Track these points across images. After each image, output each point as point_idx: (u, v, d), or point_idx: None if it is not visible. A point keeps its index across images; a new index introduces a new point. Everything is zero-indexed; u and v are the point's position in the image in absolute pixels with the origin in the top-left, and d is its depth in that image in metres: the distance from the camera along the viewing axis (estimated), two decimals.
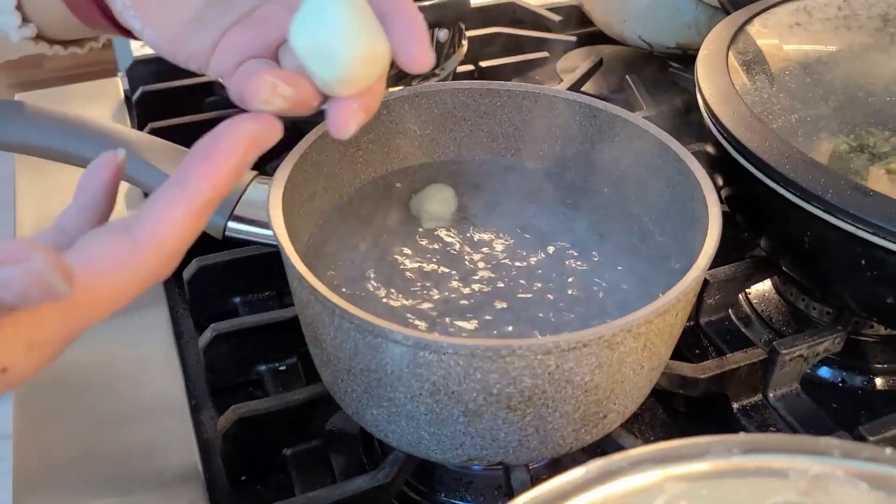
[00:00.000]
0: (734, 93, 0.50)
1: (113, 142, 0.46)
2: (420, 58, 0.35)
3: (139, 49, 0.82)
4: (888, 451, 0.24)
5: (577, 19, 0.85)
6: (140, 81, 0.73)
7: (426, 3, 0.65)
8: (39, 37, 0.43)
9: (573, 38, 0.83)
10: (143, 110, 0.71)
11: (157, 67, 0.75)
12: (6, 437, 0.47)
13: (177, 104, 0.70)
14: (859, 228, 0.40)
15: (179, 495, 0.44)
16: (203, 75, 0.70)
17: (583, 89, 0.73)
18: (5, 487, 0.44)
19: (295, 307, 0.48)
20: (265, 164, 0.64)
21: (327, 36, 0.33)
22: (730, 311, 0.56)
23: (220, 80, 0.38)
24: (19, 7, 0.41)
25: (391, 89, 0.50)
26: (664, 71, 0.76)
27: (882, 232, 0.39)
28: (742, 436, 0.25)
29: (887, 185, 0.50)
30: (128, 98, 0.76)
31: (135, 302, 0.57)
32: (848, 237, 0.41)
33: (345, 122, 0.35)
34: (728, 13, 0.64)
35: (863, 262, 0.41)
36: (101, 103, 0.76)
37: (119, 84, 0.78)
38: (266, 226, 0.44)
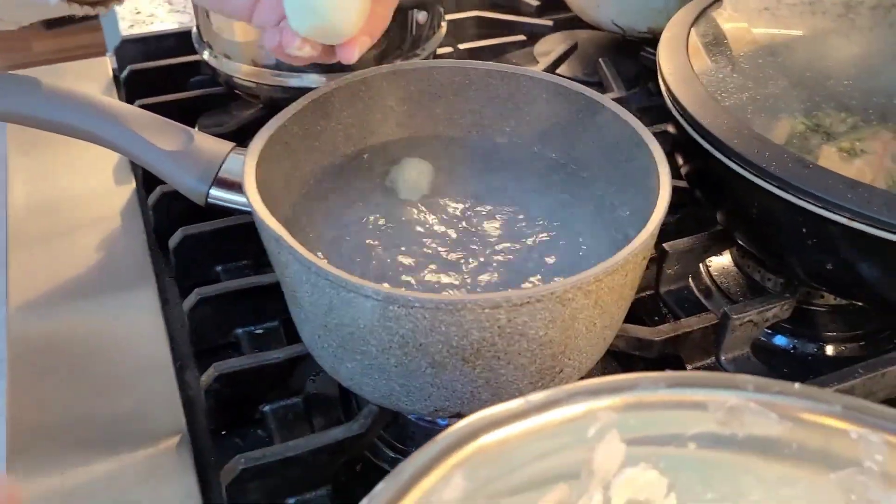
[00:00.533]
0: (692, 73, 0.53)
1: (105, 114, 0.48)
2: None
3: (127, 29, 0.84)
4: (796, 385, 0.27)
5: (555, 4, 0.88)
6: (128, 60, 0.75)
7: None
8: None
9: (550, 23, 0.85)
10: (132, 88, 0.73)
11: (144, 47, 0.77)
12: None
13: (163, 82, 0.72)
14: (798, 198, 0.43)
15: (165, 450, 0.47)
16: (189, 55, 0.73)
17: (557, 72, 0.76)
18: None
19: (275, 273, 0.51)
20: (243, 140, 0.66)
21: (322, 18, 0.36)
22: (691, 282, 0.58)
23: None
24: None
25: (371, 67, 0.53)
26: (636, 55, 0.79)
27: (818, 201, 0.42)
28: (667, 373, 0.27)
29: (838, 162, 0.53)
30: (116, 77, 0.78)
31: (123, 271, 0.60)
32: (789, 207, 0.43)
33: (350, 53, 0.42)
34: None
35: (804, 230, 0.44)
36: (90, 81, 0.78)
37: (108, 63, 0.80)
38: None
